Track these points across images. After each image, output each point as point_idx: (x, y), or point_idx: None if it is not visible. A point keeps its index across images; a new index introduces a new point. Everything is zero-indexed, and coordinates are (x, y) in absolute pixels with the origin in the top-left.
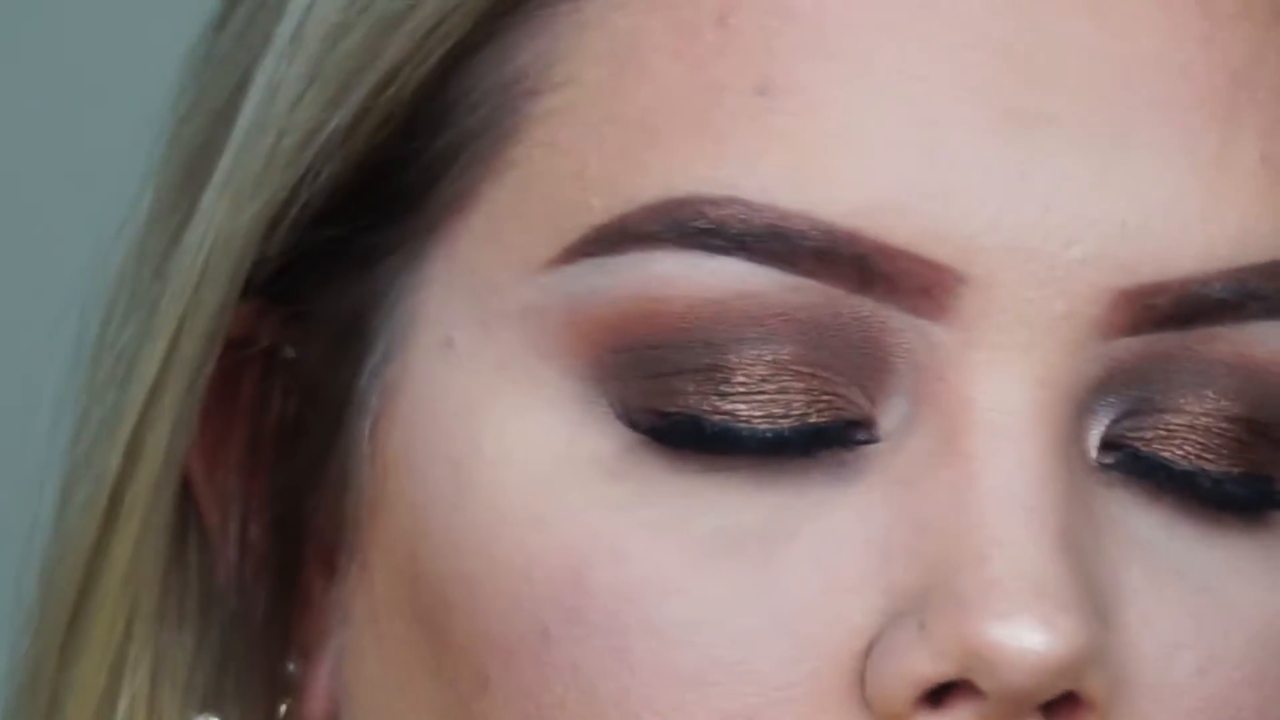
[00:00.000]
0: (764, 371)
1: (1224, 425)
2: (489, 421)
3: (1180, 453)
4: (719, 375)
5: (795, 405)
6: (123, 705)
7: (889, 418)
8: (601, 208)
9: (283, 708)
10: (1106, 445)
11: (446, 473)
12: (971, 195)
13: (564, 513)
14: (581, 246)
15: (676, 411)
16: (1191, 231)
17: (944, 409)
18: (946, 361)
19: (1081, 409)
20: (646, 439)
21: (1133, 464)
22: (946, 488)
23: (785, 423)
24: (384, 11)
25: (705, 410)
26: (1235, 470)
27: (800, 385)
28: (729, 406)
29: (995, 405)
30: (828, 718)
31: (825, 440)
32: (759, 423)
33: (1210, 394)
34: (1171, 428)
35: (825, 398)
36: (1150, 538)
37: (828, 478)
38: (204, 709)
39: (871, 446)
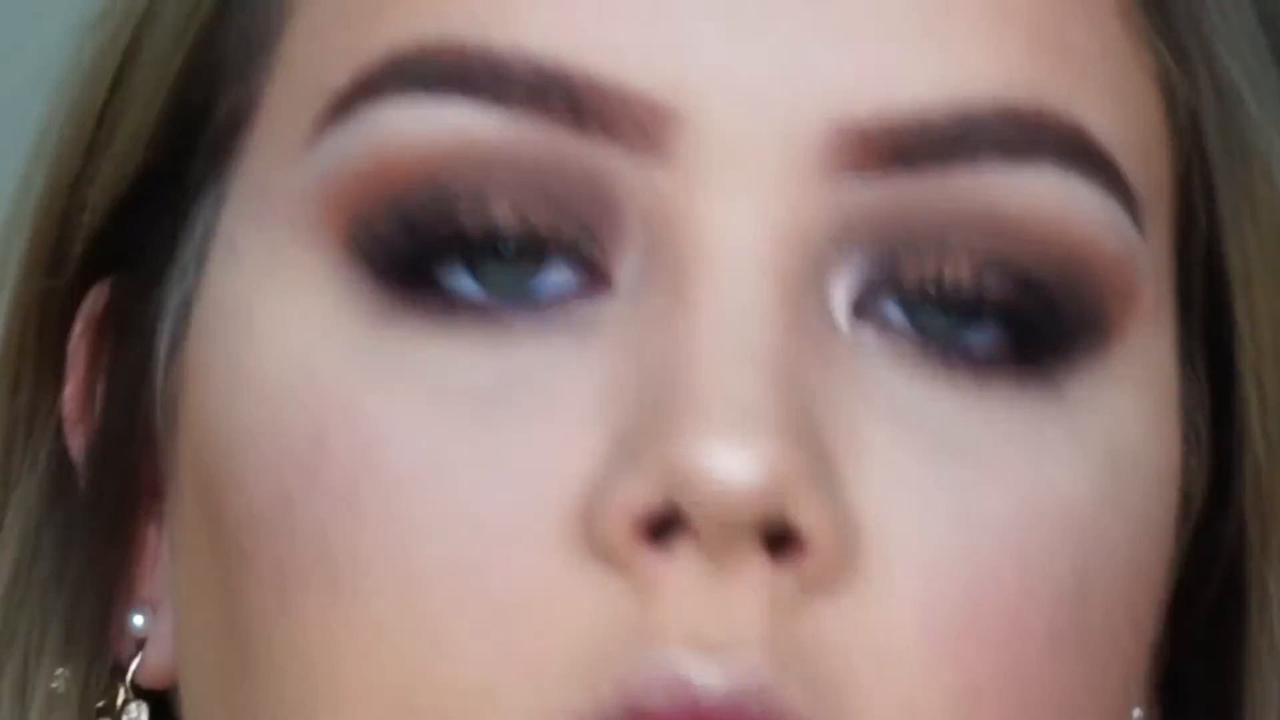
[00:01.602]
0: (498, 222)
1: (983, 282)
2: (259, 311)
3: (936, 313)
4: (454, 226)
5: (529, 259)
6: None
7: (626, 272)
8: (342, 76)
9: (135, 662)
10: (858, 307)
11: (223, 368)
12: (680, 29)
13: (312, 384)
14: (325, 115)
15: (416, 272)
16: (910, 63)
17: (674, 258)
18: (673, 206)
19: (820, 260)
20: (390, 303)
21: (884, 327)
22: (672, 336)
23: (522, 276)
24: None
25: (443, 265)
26: (994, 328)
27: (533, 237)
28: (465, 260)
29: (720, 247)
30: (553, 559)
31: (561, 298)
32: (494, 275)
33: (962, 250)
34: (925, 288)
35: (559, 251)
36: (905, 401)
37: (563, 335)
38: (59, 664)
39: (607, 305)
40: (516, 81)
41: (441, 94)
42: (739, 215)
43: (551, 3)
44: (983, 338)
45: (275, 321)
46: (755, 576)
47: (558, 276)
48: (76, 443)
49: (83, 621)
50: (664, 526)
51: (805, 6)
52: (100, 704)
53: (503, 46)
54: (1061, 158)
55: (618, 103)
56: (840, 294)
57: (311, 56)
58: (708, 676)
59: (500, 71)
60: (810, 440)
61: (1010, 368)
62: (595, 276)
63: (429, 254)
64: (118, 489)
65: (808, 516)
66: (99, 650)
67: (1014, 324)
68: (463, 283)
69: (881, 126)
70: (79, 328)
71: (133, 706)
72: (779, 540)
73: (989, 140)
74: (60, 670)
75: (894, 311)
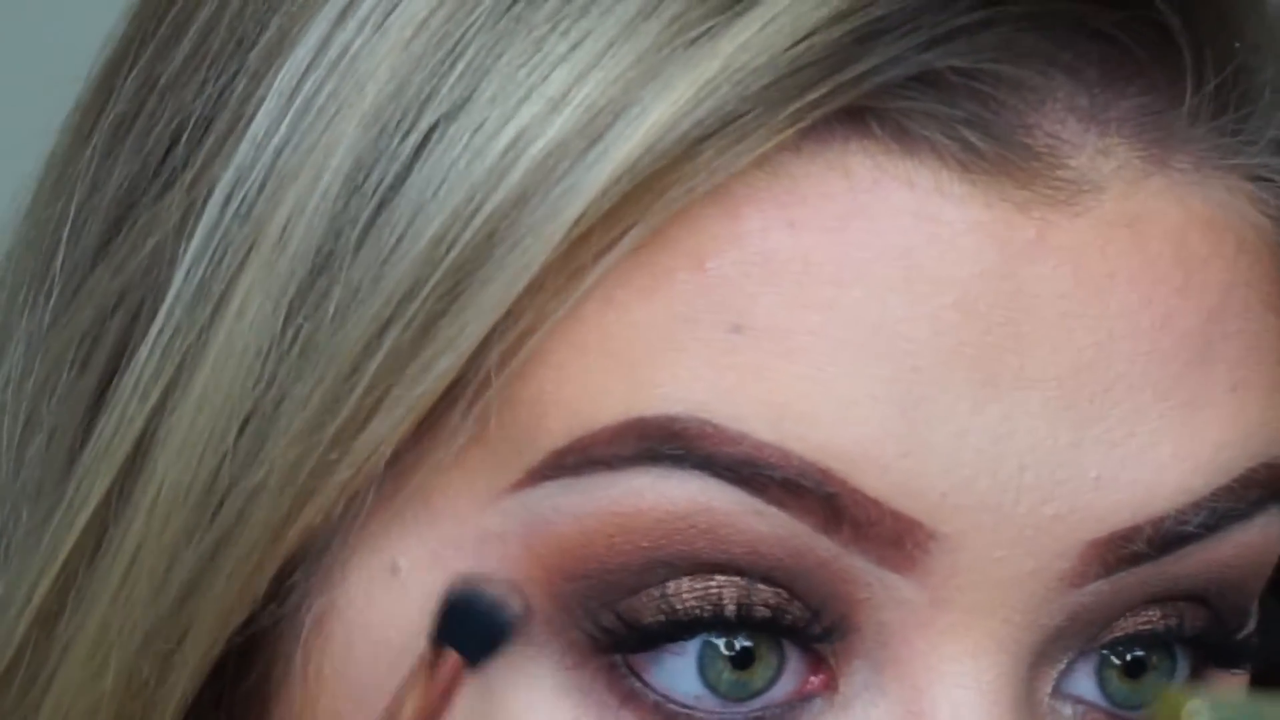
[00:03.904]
0: (724, 581)
1: (1170, 625)
2: None
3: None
4: (681, 591)
5: (751, 618)
6: None
7: (850, 683)
8: (562, 430)
9: None
10: (1061, 679)
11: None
12: (947, 455)
13: None
14: (541, 470)
15: (631, 626)
16: (1165, 473)
17: (907, 679)
18: (913, 621)
19: (1038, 660)
20: (600, 692)
21: (1076, 699)
22: None
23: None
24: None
25: (664, 616)
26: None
27: (759, 600)
28: (684, 615)
29: (959, 680)
30: None
31: (782, 698)
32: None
33: (1170, 608)
34: (1116, 647)
35: (786, 618)
36: None
37: None
38: None
39: (830, 713)
40: (775, 475)
41: (690, 471)
42: (980, 641)
43: (819, 407)
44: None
45: None
46: None
47: (780, 677)
48: None
49: None
50: None
51: (1067, 431)
52: None
53: (762, 438)
54: (1278, 498)
55: (875, 514)
56: (1048, 684)
57: (516, 399)
58: None
59: (758, 463)
60: None
61: None
62: (819, 675)
63: (652, 630)
64: None
65: None
66: None
67: (1197, 649)
68: (682, 682)
69: (1136, 536)
70: None
71: None
72: None
73: (1231, 516)
74: None
75: (1086, 683)
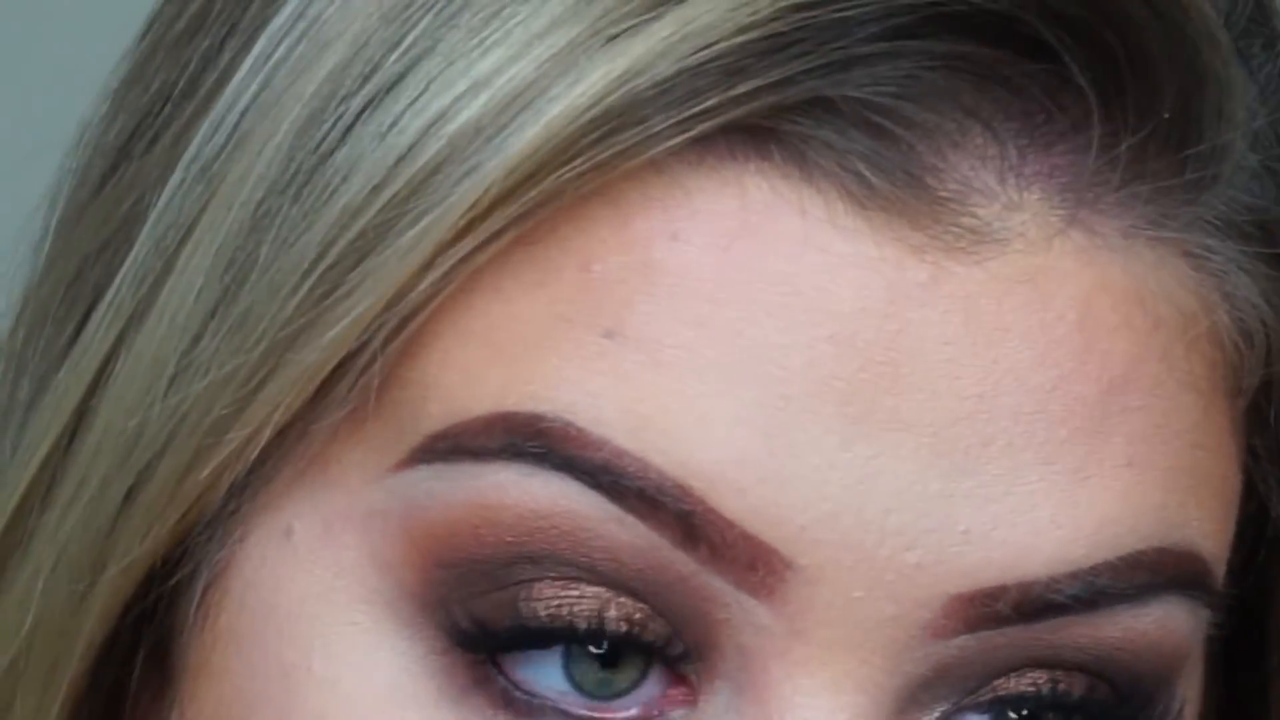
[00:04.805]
0: (589, 593)
1: (1058, 691)
2: (319, 634)
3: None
4: (546, 593)
5: (615, 631)
6: None
7: (711, 702)
8: (439, 414)
9: None
10: None
11: (276, 678)
12: (809, 487)
13: None
14: (419, 453)
15: (498, 622)
16: (1041, 538)
17: (764, 704)
18: (771, 649)
19: (905, 705)
20: (459, 674)
21: None
22: None
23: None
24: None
25: (527, 620)
26: None
27: (622, 614)
28: (548, 621)
29: (812, 715)
30: None
31: (646, 699)
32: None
33: (1059, 674)
34: (1009, 700)
35: (648, 634)
36: None
37: None
38: None
39: None
40: (632, 485)
41: (552, 471)
42: (835, 677)
43: (683, 422)
44: None
45: (339, 659)
46: None
47: (645, 680)
48: None
49: None
50: None
51: (938, 479)
52: None
53: (624, 446)
54: (1174, 588)
55: (731, 537)
56: None
57: (406, 378)
58: None
59: (616, 471)
60: None
61: None
62: (681, 688)
63: (516, 630)
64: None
65: None
66: None
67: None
68: (545, 673)
69: (1002, 596)
70: None
71: None
72: None
73: (1113, 594)
74: None
75: None
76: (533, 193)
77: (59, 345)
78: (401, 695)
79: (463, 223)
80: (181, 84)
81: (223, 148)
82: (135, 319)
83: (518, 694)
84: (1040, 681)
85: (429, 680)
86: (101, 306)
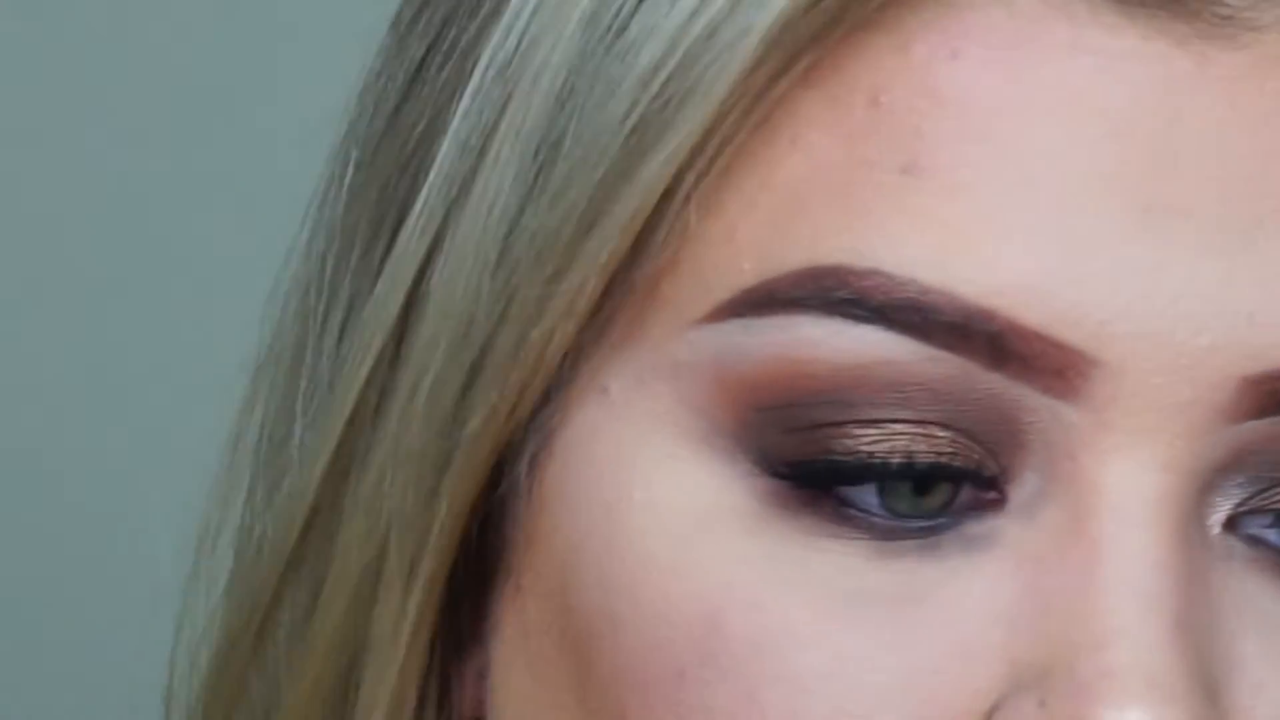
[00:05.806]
0: (901, 431)
1: None
2: (639, 469)
3: None
4: (858, 433)
5: (927, 465)
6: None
7: (1020, 491)
8: (751, 271)
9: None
10: (1230, 522)
11: (600, 515)
12: (1106, 283)
13: (703, 563)
14: (730, 307)
15: (815, 460)
16: None
17: (1074, 489)
18: (1078, 442)
19: (1205, 488)
20: (784, 493)
21: (1253, 541)
22: (1072, 569)
23: (918, 495)
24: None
25: (843, 458)
26: None
27: (933, 448)
28: (865, 458)
29: (1122, 490)
30: None
31: (957, 509)
32: (892, 490)
33: None
34: None
35: (959, 461)
36: (1269, 608)
37: (957, 548)
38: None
39: (1001, 519)
40: (941, 320)
41: (860, 320)
42: (1143, 459)
43: (981, 245)
44: None
45: (658, 485)
46: None
47: (955, 496)
48: None
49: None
50: None
51: (1221, 263)
52: None
53: (929, 284)
54: None
55: (1039, 347)
56: (1218, 514)
57: (710, 235)
58: None
59: (926, 309)
60: (1206, 690)
61: None
62: (990, 493)
63: (831, 467)
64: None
65: None
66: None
67: None
68: (861, 496)
69: None
70: None
71: None
72: None
73: None
74: None
75: (1263, 528)
76: (811, 29)
77: (372, 265)
78: (722, 510)
79: (760, 50)
80: (465, 4)
81: (515, 50)
82: (449, 221)
83: (849, 510)
84: None
85: (751, 496)
86: (411, 218)
